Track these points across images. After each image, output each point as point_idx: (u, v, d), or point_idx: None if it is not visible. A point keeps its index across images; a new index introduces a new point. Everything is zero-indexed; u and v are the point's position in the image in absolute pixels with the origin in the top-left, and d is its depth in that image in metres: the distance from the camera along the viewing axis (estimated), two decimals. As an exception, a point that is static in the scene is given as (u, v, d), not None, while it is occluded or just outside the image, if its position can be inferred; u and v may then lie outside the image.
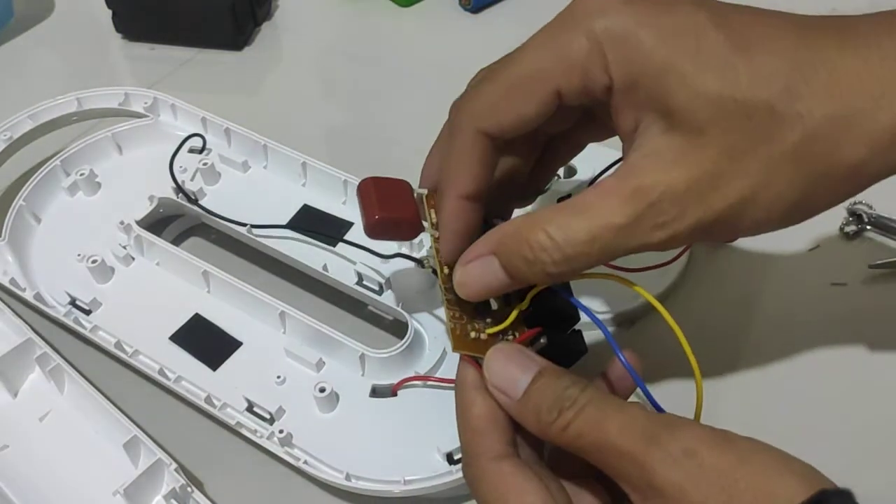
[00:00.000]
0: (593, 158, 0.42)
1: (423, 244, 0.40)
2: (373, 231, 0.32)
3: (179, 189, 0.43)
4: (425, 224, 0.31)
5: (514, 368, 0.25)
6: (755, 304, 0.42)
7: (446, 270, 0.28)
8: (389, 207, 0.31)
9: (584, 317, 0.27)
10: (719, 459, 0.20)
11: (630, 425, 0.22)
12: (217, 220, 0.43)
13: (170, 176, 0.44)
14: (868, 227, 0.45)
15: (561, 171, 0.42)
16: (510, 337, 0.27)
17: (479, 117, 0.26)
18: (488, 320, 0.28)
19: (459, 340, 0.27)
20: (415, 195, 0.31)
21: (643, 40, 0.23)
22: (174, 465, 0.33)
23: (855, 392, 0.38)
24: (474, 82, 0.28)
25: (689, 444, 0.20)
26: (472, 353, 0.26)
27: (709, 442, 0.20)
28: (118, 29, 0.58)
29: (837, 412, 0.37)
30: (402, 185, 0.32)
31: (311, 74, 0.57)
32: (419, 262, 0.38)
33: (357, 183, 0.42)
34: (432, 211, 0.30)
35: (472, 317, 0.27)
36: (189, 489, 0.33)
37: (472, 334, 0.27)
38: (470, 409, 0.25)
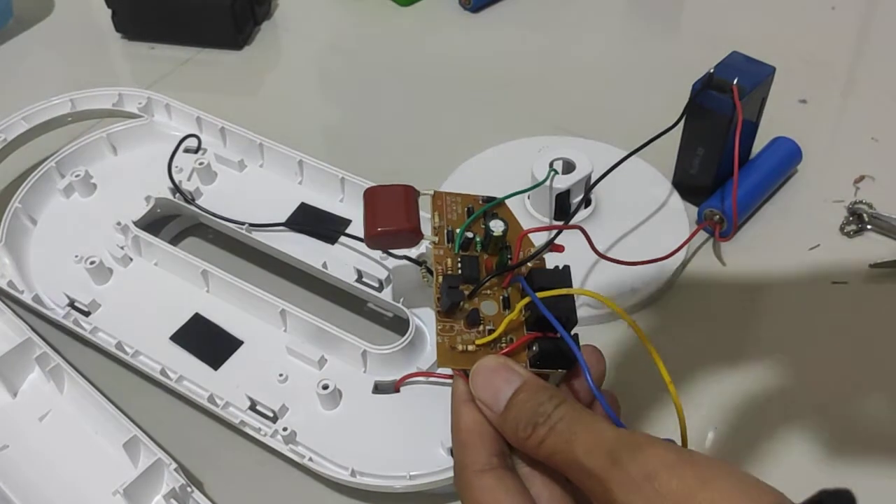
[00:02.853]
0: (593, 156, 0.42)
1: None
2: (372, 244, 0.32)
3: (177, 189, 0.43)
4: (426, 231, 0.30)
5: (498, 382, 0.25)
6: (756, 301, 0.42)
7: (440, 279, 0.28)
8: (389, 219, 0.31)
9: (579, 315, 0.27)
10: (679, 483, 0.20)
11: (596, 444, 0.22)
12: (215, 219, 0.42)
13: (167, 176, 0.44)
14: (868, 227, 0.45)
15: (559, 167, 0.42)
16: (503, 344, 0.27)
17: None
18: (481, 328, 0.27)
19: (445, 355, 0.27)
20: (419, 198, 0.31)
21: None
22: (174, 465, 0.33)
23: (854, 390, 0.38)
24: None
25: (649, 466, 0.20)
26: (458, 366, 0.26)
27: (670, 464, 0.20)
28: (118, 28, 0.58)
29: (836, 410, 0.37)
30: (406, 192, 0.31)
31: (310, 73, 0.57)
32: (418, 262, 0.38)
33: (356, 180, 0.42)
34: (436, 213, 0.30)
35: (464, 327, 0.27)
36: (189, 489, 0.33)
37: (460, 347, 0.27)
38: (458, 422, 0.25)
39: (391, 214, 0.31)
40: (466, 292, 0.28)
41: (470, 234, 0.29)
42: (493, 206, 0.30)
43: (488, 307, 0.28)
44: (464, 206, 0.31)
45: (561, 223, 0.43)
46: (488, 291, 0.28)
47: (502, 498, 0.23)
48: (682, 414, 0.24)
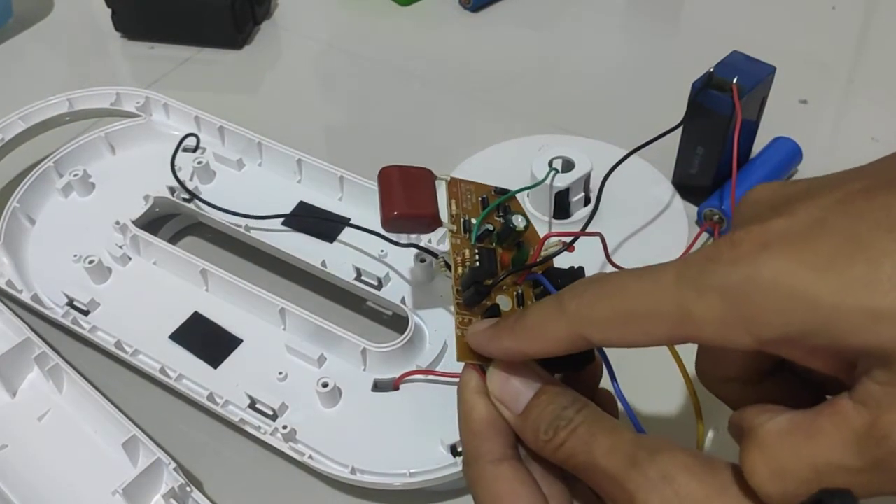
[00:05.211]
0: (592, 155, 0.42)
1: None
2: (390, 227, 0.31)
3: (181, 186, 0.43)
4: (444, 218, 0.30)
5: (516, 383, 0.24)
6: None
7: (461, 270, 0.28)
8: (409, 203, 0.30)
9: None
10: (697, 488, 0.20)
11: (616, 448, 0.21)
12: (213, 218, 0.42)
13: (167, 175, 0.43)
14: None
15: (559, 165, 0.42)
16: None
17: (582, 322, 0.22)
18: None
19: (464, 349, 0.26)
20: (436, 183, 0.31)
21: (794, 286, 0.18)
22: (173, 465, 0.33)
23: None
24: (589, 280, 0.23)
25: (668, 469, 0.20)
26: (478, 361, 0.26)
27: (688, 469, 0.20)
28: (117, 28, 0.58)
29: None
30: (425, 175, 0.31)
31: (310, 73, 0.57)
32: (433, 254, 0.38)
33: (354, 179, 0.42)
34: (453, 201, 0.29)
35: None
36: (188, 488, 0.33)
37: None
38: (471, 412, 0.25)
39: (410, 198, 0.30)
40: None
41: (490, 227, 0.29)
42: (506, 200, 0.30)
43: (503, 302, 0.27)
44: (478, 196, 0.30)
45: (562, 222, 0.43)
46: (504, 287, 0.28)
47: (518, 488, 0.23)
48: (700, 419, 0.24)
